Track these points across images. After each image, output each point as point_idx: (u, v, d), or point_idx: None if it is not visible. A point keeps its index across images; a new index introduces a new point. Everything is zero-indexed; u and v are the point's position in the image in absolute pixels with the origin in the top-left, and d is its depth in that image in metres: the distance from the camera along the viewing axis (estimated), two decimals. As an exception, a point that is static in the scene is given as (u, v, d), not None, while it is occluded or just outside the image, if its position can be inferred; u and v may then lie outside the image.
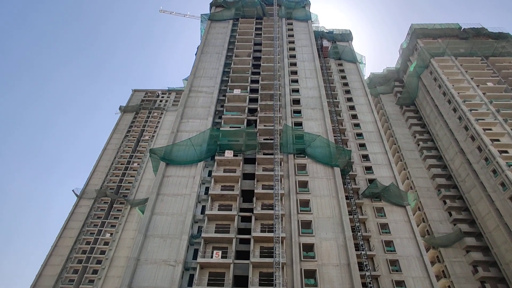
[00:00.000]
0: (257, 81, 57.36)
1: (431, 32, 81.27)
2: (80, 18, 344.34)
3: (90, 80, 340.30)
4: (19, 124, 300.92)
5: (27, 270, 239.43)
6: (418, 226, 57.75)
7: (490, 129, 58.00)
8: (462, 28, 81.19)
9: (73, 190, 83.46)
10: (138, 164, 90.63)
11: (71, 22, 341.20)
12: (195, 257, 34.91)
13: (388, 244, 42.78)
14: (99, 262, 71.04)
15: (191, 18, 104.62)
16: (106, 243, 73.90)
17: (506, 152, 53.74)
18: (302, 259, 34.21)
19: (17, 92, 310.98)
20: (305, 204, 39.69)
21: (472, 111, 61.09)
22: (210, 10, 78.75)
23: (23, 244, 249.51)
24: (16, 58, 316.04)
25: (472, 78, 68.79)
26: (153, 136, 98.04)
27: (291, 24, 75.20)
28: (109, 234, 75.70)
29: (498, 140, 56.08)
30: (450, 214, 58.58)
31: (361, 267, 37.84)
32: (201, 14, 77.07)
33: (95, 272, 69.73)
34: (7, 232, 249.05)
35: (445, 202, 60.29)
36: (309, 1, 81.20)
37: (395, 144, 74.35)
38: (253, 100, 53.93)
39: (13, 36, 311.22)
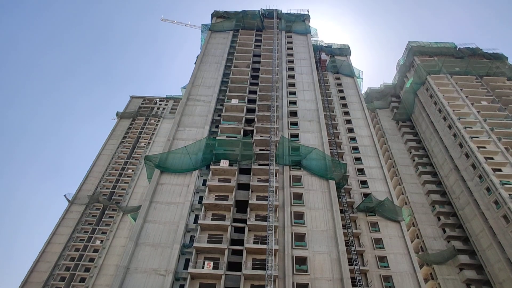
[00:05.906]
0: (255, 92, 57.71)
1: (427, 49, 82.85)
2: (85, 24, 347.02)
3: (93, 87, 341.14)
4: (24, 131, 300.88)
5: (16, 276, 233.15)
6: (412, 242, 57.35)
7: (484, 147, 58.52)
8: (458, 47, 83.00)
9: (64, 195, 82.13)
10: (132, 170, 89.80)
11: (75, 29, 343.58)
12: (186, 267, 34.30)
13: (382, 259, 42.38)
14: (87, 269, 69.41)
15: (192, 28, 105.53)
16: (95, 250, 72.38)
17: (499, 170, 54.09)
18: (294, 272, 33.77)
19: (22, 99, 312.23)
20: (299, 217, 39.40)
21: (467, 128, 61.74)
22: (211, 21, 79.76)
23: (20, 251, 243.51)
24: (22, 63, 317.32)
25: (467, 96, 69.76)
26: (149, 143, 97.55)
27: (291, 37, 76.25)
28: (100, 241, 74.25)
29: (492, 158, 56.52)
30: (444, 231, 58.47)
31: (354, 282, 37.30)
32: (201, 24, 78.04)
33: (82, 280, 68.00)
34: (7, 240, 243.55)
35: (439, 219, 60.24)
36: (309, 16, 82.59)
37: (390, 159, 74.60)
38: (250, 111, 54.13)
39: (19, 41, 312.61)
